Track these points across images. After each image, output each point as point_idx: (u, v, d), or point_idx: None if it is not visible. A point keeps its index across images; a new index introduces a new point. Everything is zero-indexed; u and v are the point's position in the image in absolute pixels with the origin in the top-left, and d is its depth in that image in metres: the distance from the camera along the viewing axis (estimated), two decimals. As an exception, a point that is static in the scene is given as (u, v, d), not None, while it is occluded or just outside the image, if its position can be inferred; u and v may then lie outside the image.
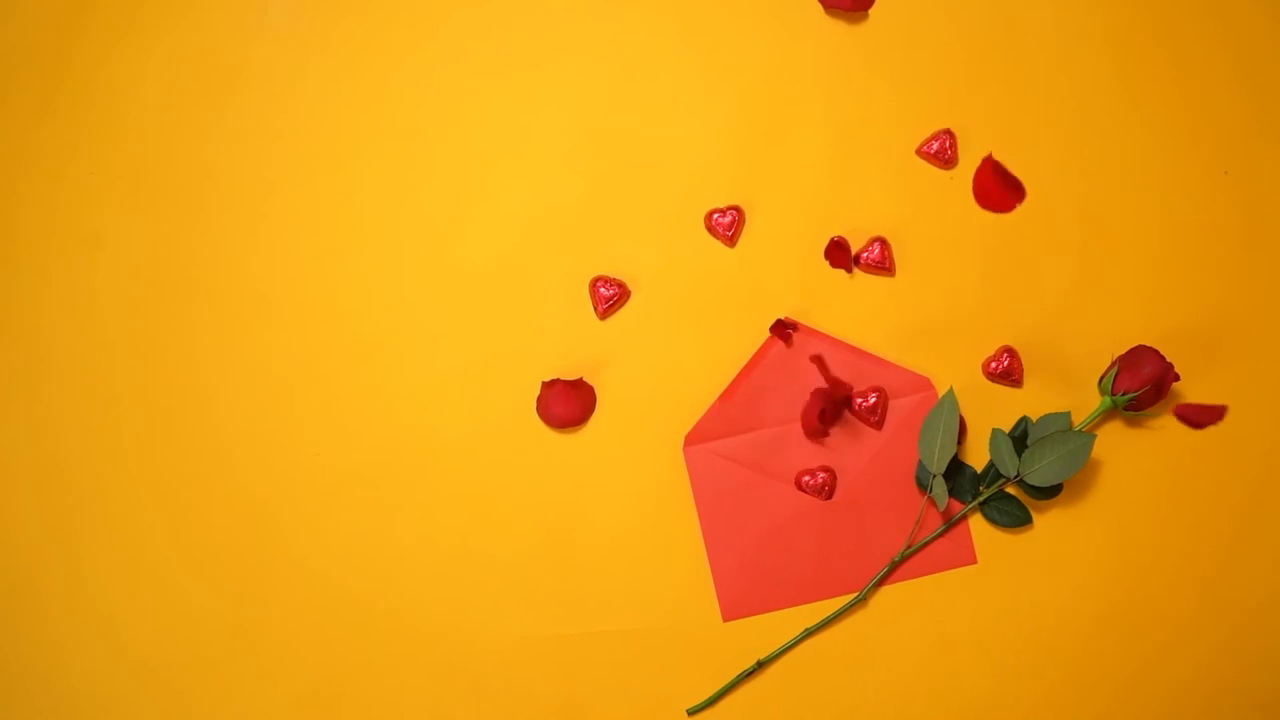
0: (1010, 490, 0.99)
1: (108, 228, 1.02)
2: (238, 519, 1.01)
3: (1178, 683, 0.99)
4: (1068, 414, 0.98)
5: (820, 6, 1.02)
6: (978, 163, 1.01)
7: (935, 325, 1.01)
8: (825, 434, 0.99)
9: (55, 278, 1.02)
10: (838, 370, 1.00)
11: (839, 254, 1.00)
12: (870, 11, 1.02)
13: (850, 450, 1.00)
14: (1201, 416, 0.98)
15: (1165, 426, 1.00)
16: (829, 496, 1.00)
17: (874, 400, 1.00)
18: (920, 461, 0.99)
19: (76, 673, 1.00)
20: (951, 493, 0.99)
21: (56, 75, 1.03)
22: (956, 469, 0.99)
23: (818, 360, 0.97)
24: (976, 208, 1.01)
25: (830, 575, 0.99)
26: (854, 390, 1.00)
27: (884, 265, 1.01)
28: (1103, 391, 0.98)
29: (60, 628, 1.00)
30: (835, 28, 1.02)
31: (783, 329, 1.00)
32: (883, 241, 1.00)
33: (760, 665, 0.99)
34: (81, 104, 1.03)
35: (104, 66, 1.03)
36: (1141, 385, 0.96)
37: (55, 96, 1.03)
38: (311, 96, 1.03)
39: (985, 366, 1.00)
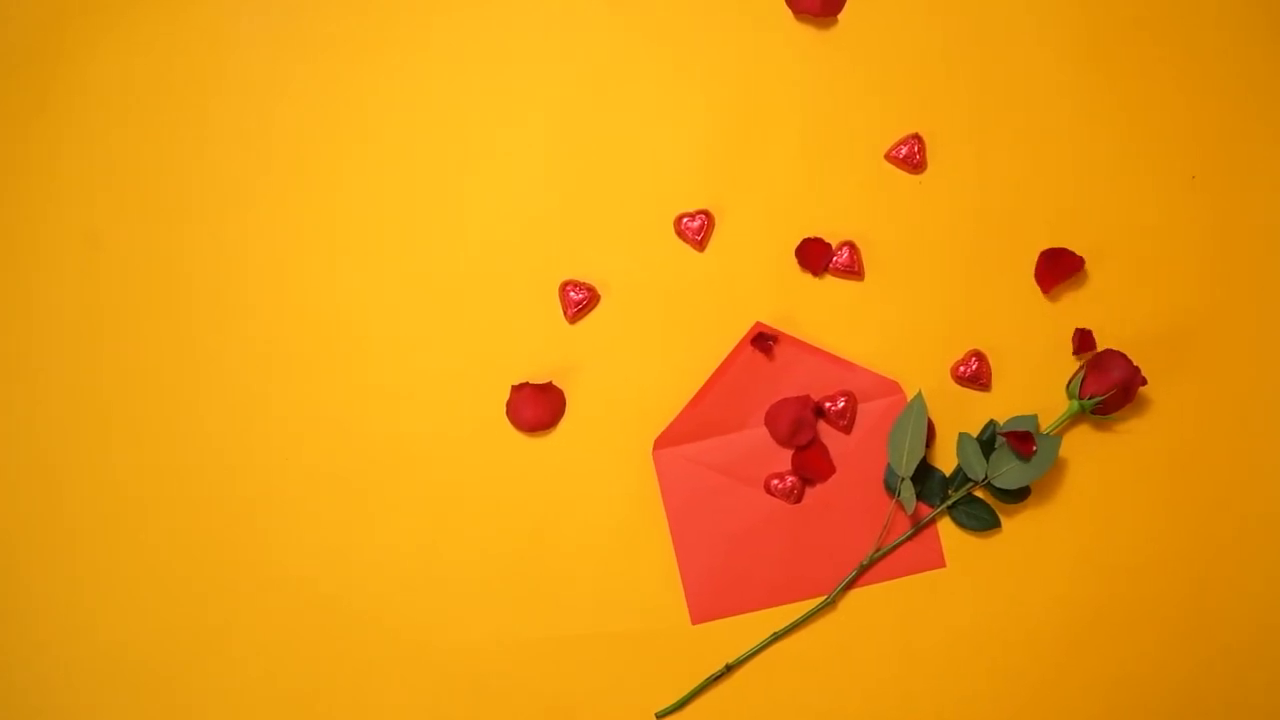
0: (979, 494, 0.99)
1: (104, 229, 1.02)
2: (213, 519, 1.01)
3: (1147, 684, 0.99)
4: (1035, 417, 0.98)
5: (789, 11, 1.02)
6: (945, 167, 1.01)
7: (904, 329, 1.01)
8: (799, 445, 1.00)
9: (52, 278, 1.02)
10: (807, 375, 1.00)
11: (814, 251, 1.00)
12: (839, 16, 1.02)
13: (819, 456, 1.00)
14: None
15: (1133, 430, 1.00)
16: (798, 500, 1.00)
17: (843, 404, 1.00)
18: (889, 465, 0.99)
19: (61, 671, 1.00)
20: (920, 496, 0.99)
21: (52, 76, 1.03)
22: (925, 473, 1.00)
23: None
24: (946, 212, 1.01)
25: (799, 578, 1.00)
26: (823, 398, 1.00)
27: (853, 269, 1.01)
28: (1070, 395, 0.98)
29: (47, 623, 1.00)
30: (804, 33, 1.03)
31: (764, 341, 1.00)
32: (852, 246, 1.01)
33: (729, 668, 0.99)
34: (79, 104, 1.03)
35: (100, 67, 1.03)
36: (1108, 389, 0.96)
37: (53, 97, 1.03)
38: (285, 102, 1.03)
39: (954, 370, 1.01)
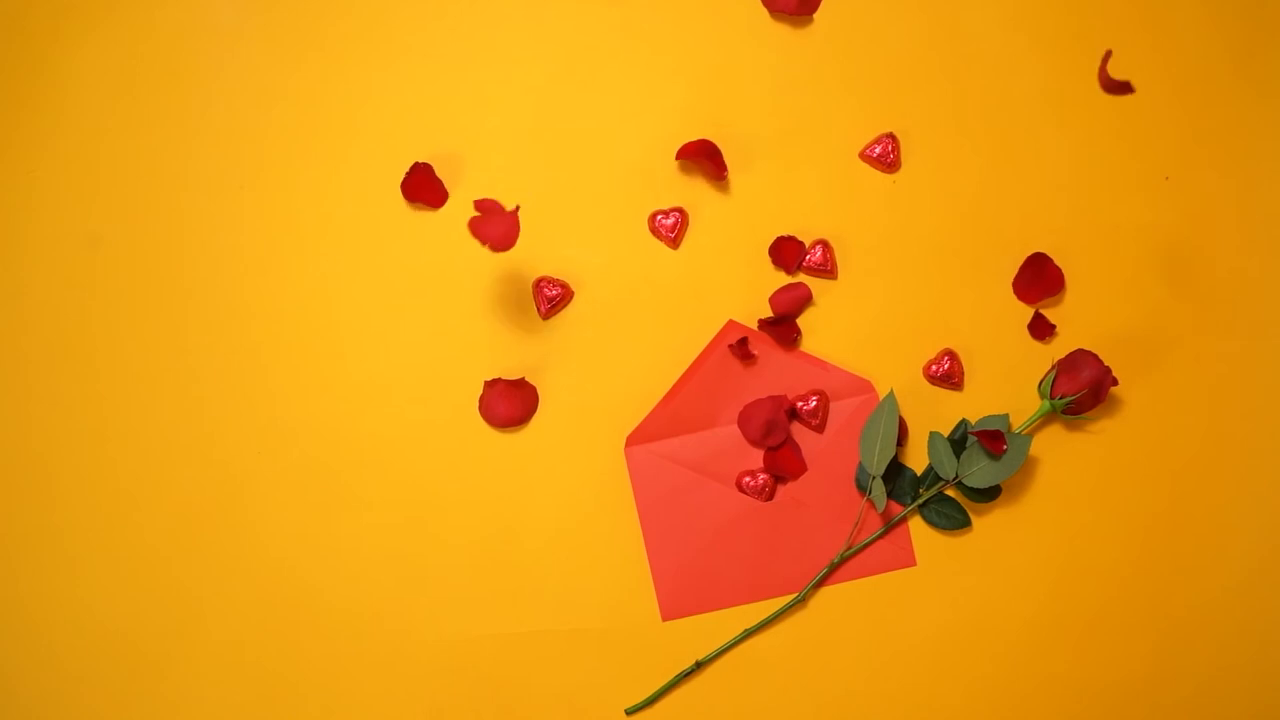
0: (950, 493, 1.00)
1: (105, 229, 1.03)
2: (196, 512, 1.01)
3: (1117, 684, 0.99)
4: (1006, 416, 0.98)
5: (765, 9, 1.02)
6: (919, 166, 1.01)
7: (877, 328, 1.01)
8: (771, 447, 1.00)
9: (50, 279, 1.03)
10: (780, 374, 1.01)
11: (787, 249, 1.00)
12: (815, 15, 1.03)
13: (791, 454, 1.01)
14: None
15: (1104, 430, 1.00)
16: (769, 498, 1.00)
17: (815, 403, 1.00)
18: (860, 463, 0.99)
19: (49, 664, 1.00)
20: (891, 495, 0.99)
21: (52, 74, 1.03)
22: (896, 471, 1.00)
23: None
24: (919, 211, 1.01)
25: (770, 576, 1.00)
26: (796, 398, 1.01)
27: (826, 268, 1.01)
28: (1042, 395, 0.98)
29: (38, 619, 1.01)
30: (780, 31, 1.03)
31: (743, 348, 1.00)
32: (825, 244, 1.01)
33: (699, 665, 0.99)
34: (79, 104, 1.03)
35: (100, 66, 1.03)
36: (1080, 389, 0.97)
37: (52, 96, 1.03)
38: (258, 100, 1.03)
39: (926, 369, 1.01)
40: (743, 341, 1.00)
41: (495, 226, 0.93)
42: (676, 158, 1.00)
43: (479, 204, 0.92)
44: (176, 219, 1.03)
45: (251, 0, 1.04)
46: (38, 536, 1.01)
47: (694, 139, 1.01)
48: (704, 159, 1.00)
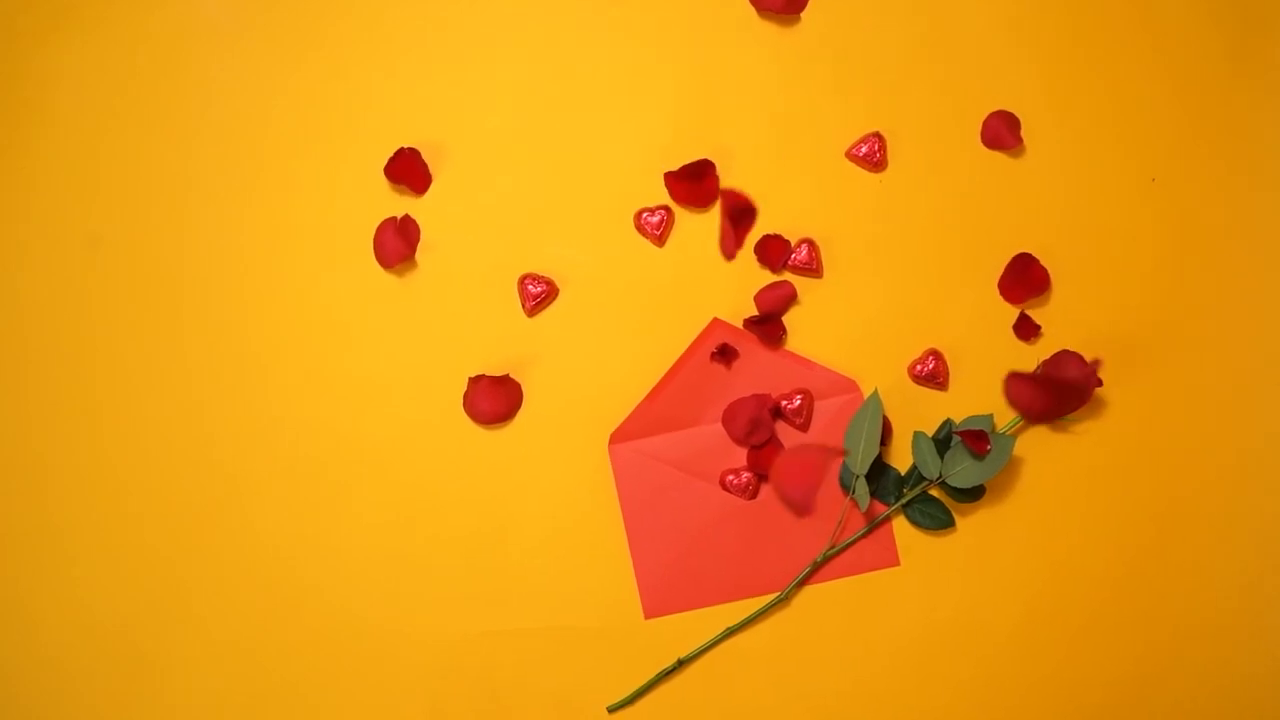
0: (933, 493, 0.99)
1: (105, 229, 1.03)
2: (186, 510, 1.01)
3: (1101, 685, 0.99)
4: (991, 417, 0.98)
5: (752, 8, 1.03)
6: (906, 166, 1.01)
7: (862, 327, 1.01)
8: (755, 445, 1.00)
9: (50, 279, 1.03)
10: (764, 372, 1.01)
11: (773, 248, 1.00)
12: (802, 14, 1.03)
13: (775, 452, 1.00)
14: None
15: (1088, 431, 1.00)
16: (753, 496, 1.00)
17: (799, 402, 1.00)
18: (844, 463, 0.99)
19: (41, 658, 1.01)
20: (875, 494, 0.99)
21: (52, 73, 1.04)
22: (880, 471, 0.99)
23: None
24: (905, 210, 1.01)
25: (753, 575, 1.00)
26: (780, 397, 1.00)
27: (812, 267, 1.01)
28: (1027, 395, 0.98)
29: (31, 613, 1.01)
30: (767, 29, 1.03)
31: (726, 353, 1.00)
32: (811, 243, 1.01)
33: (681, 663, 0.99)
34: (77, 102, 1.04)
35: (100, 65, 1.04)
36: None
37: (52, 94, 1.04)
38: (256, 99, 1.04)
39: (911, 369, 1.01)
40: (723, 348, 1.00)
41: None
42: (666, 185, 1.01)
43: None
44: (176, 219, 1.03)
45: (249, 0, 1.04)
46: (37, 536, 1.01)
47: (681, 150, 1.01)
48: (694, 183, 1.00)
